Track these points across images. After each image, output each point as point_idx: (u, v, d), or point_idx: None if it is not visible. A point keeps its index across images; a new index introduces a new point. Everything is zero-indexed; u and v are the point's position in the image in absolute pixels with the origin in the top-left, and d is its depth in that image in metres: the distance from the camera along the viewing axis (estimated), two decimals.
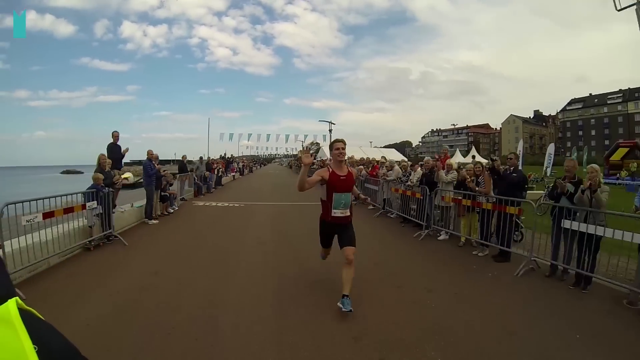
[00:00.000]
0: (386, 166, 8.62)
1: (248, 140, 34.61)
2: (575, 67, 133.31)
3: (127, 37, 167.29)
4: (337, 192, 3.32)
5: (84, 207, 4.78)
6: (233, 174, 22.79)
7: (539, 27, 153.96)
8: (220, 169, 16.62)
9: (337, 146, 3.38)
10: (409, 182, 6.95)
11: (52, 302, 3.37)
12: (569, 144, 66.57)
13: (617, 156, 27.88)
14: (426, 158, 7.27)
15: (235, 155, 34.57)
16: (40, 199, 4.18)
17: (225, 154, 27.30)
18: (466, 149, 57.99)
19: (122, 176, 6.42)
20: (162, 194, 7.81)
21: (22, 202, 3.85)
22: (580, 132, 67.48)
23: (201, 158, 13.80)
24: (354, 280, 3.32)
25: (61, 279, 4.01)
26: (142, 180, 7.81)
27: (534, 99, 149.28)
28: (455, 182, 6.07)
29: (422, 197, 6.39)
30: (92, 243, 5.10)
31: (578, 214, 4.19)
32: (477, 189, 5.42)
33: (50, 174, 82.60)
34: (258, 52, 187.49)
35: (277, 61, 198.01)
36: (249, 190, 15.54)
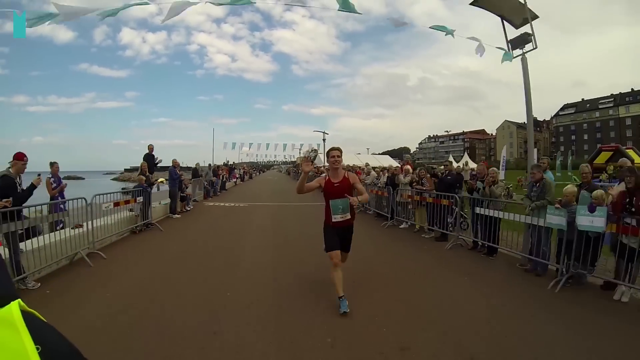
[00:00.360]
0: (365, 172, 10.54)
1: (249, 148, 36.59)
2: (573, 72, 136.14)
3: (126, 43, 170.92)
4: (332, 198, 3.55)
5: (134, 200, 6.69)
6: (235, 179, 24.71)
7: (536, 32, 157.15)
8: (225, 175, 18.54)
9: (333, 154, 3.59)
10: (378, 184, 8.87)
11: (120, 262, 5.22)
12: (562, 149, 68.53)
13: (600, 160, 29.69)
14: (389, 164, 9.20)
15: (236, 162, 36.58)
16: (110, 192, 6.09)
17: (228, 161, 29.30)
18: (461, 155, 60.04)
19: (158, 180, 8.34)
20: (182, 194, 9.71)
21: (102, 194, 5.76)
22: (573, 137, 69.45)
23: (209, 165, 15.80)
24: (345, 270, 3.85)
25: (125, 248, 5.88)
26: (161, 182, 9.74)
27: (532, 104, 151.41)
28: (411, 183, 7.98)
29: (388, 195, 8.29)
30: (137, 228, 7.00)
31: (485, 202, 6.06)
32: (424, 188, 7.33)
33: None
34: (256, 59, 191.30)
35: (275, 68, 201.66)
36: (250, 193, 17.54)
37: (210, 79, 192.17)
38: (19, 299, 0.46)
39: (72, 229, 5.27)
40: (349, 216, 3.57)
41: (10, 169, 4.14)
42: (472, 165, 30.03)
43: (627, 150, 29.43)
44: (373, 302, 3.70)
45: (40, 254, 4.25)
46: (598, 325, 3.26)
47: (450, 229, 6.73)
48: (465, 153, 56.97)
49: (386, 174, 8.76)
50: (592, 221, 4.06)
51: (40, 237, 4.35)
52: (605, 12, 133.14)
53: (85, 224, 5.43)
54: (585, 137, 67.86)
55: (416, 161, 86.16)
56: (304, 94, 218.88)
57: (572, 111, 70.75)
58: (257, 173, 51.83)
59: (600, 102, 66.97)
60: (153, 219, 7.60)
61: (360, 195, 3.67)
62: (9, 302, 0.44)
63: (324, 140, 33.61)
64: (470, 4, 5.62)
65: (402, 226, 8.09)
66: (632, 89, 64.08)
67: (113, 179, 77.26)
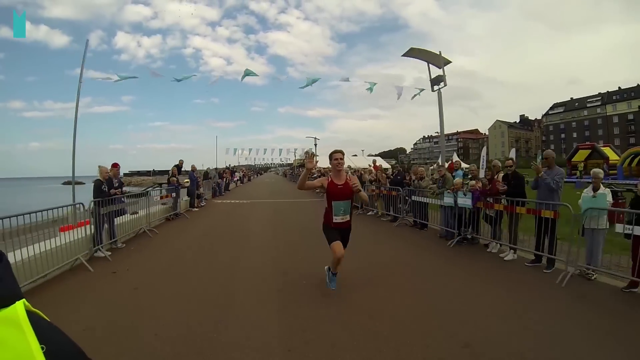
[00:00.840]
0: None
1: (249, 153, 39.32)
2: (568, 70, 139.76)
3: (122, 47, 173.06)
4: (335, 200, 3.68)
5: (170, 196, 9.34)
6: (235, 180, 27.37)
7: (531, 32, 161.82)
8: (228, 177, 21.20)
9: (336, 156, 3.74)
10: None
11: (165, 236, 7.83)
12: (552, 147, 71.28)
13: (578, 157, 32.03)
14: (363, 166, 11.87)
15: (234, 164, 39.42)
16: (155, 188, 8.72)
17: (230, 165, 32.07)
18: (451, 155, 62.73)
19: (184, 181, 11.02)
20: (197, 192, 12.35)
21: (151, 189, 8.40)
22: (563, 135, 72.19)
23: (216, 169, 18.52)
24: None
25: (166, 229, 8.50)
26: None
27: (527, 103, 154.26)
28: (372, 181, 10.66)
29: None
30: (170, 216, 9.64)
31: (417, 192, 8.68)
32: (378, 184, 10.00)
33: (53, 184, 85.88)
34: (252, 62, 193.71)
35: (271, 70, 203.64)
36: (251, 193, 20.23)
37: (205, 82, 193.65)
38: (24, 299, 0.46)
39: (131, 214, 7.89)
40: (348, 217, 3.78)
41: (100, 175, 6.61)
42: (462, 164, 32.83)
43: (604, 148, 32.03)
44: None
45: (121, 229, 6.89)
46: (477, 266, 5.84)
47: (399, 213, 9.39)
48: (454, 153, 59.47)
49: (355, 175, 11.45)
50: (465, 201, 6.70)
51: (124, 217, 6.99)
52: (600, 10, 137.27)
53: (140, 211, 8.06)
54: (575, 135, 70.45)
55: (412, 161, 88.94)
56: (300, 96, 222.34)
57: (562, 110, 73.51)
58: (255, 175, 54.49)
59: (588, 101, 69.72)
60: (181, 210, 10.24)
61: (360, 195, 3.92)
62: (14, 302, 0.45)
63: (315, 145, 36.48)
64: (403, 55, 8.22)
65: (369, 213, 10.74)
66: (619, 88, 66.91)
67: None
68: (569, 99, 73.65)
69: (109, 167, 6.63)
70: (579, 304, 3.80)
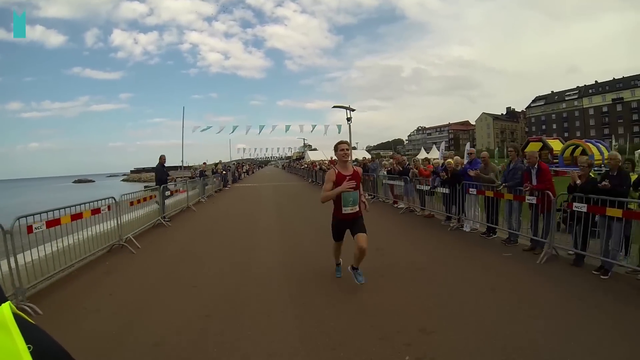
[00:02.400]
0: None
1: (255, 151, 44.33)
2: (567, 58, 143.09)
3: (118, 45, 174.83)
4: (344, 191, 3.76)
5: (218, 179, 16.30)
6: (244, 172, 34.39)
7: (529, 20, 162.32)
8: (239, 170, 28.23)
9: (342, 147, 3.92)
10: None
11: (205, 208, 14.73)
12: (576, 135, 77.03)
13: (530, 149, 38.59)
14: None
15: (233, 158, 46.45)
16: (187, 180, 15.63)
17: (239, 161, 39.19)
18: (438, 146, 69.39)
19: (222, 171, 18.00)
20: (225, 178, 19.30)
21: (192, 180, 15.32)
22: (544, 127, 78.65)
23: (235, 163, 25.59)
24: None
25: (201, 208, 15.38)
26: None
27: (526, 92, 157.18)
28: None
29: None
30: (217, 190, 16.59)
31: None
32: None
33: (63, 183, 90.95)
34: (250, 56, 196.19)
35: (269, 64, 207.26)
36: (257, 180, 27.36)
37: (204, 77, 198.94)
38: (9, 302, 0.49)
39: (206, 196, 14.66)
40: (357, 208, 3.88)
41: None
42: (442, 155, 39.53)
43: (552, 141, 38.65)
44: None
45: (171, 206, 13.73)
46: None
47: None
48: (442, 144, 66.08)
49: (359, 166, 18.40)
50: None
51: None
52: None
53: (186, 193, 14.87)
54: (554, 126, 76.91)
55: (406, 152, 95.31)
56: (299, 89, 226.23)
57: (543, 103, 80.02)
58: (257, 168, 61.44)
59: (566, 94, 76.11)
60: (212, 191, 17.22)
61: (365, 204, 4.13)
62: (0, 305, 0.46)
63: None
64: (333, 107, 14.89)
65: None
66: (595, 81, 73.14)
67: (123, 180, 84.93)
68: (550, 92, 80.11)
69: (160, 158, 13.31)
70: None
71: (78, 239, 5.04)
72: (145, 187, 15.44)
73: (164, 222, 8.77)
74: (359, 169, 4.12)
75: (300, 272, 4.68)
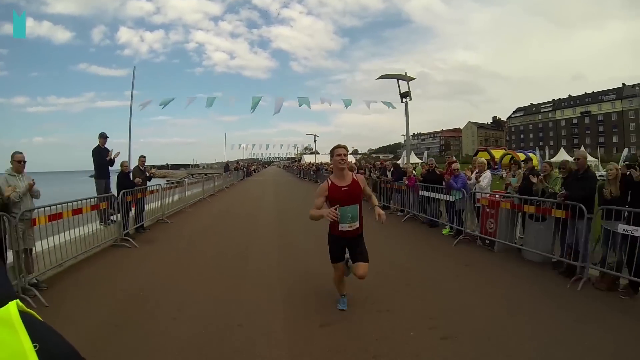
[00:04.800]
0: (325, 169, 31.32)
1: (252, 148, 47.16)
2: (572, 65, 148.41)
3: (124, 42, 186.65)
4: (341, 205, 3.26)
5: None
6: (252, 170, 45.83)
7: (534, 26, 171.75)
8: (249, 168, 39.57)
9: (338, 152, 3.33)
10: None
11: (223, 196, 25.98)
12: (513, 146, 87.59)
13: (479, 157, 48.97)
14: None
15: (241, 158, 57.79)
16: (208, 176, 26.94)
17: (248, 161, 50.75)
18: (437, 151, 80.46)
19: (242, 167, 29.33)
20: (247, 172, 30.56)
21: (216, 174, 26.67)
22: (522, 136, 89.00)
23: (247, 163, 37.01)
24: None
25: (217, 196, 26.62)
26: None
27: (530, 98, 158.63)
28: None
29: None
30: (224, 187, 27.91)
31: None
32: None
33: (83, 177, 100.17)
34: (255, 56, 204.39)
35: (274, 64, 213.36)
36: (263, 176, 38.78)
37: (209, 76, 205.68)
38: (17, 300, 0.50)
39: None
40: (357, 225, 3.36)
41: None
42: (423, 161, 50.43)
43: (494, 150, 49.21)
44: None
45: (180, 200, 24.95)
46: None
47: None
48: (425, 153, 76.86)
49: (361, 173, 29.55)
50: None
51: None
52: (602, 6, 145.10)
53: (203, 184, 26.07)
54: (531, 136, 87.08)
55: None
56: (304, 90, 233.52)
57: (522, 114, 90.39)
58: (262, 168, 72.94)
59: (542, 106, 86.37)
60: (235, 181, 28.45)
61: (372, 200, 3.67)
62: (7, 303, 0.48)
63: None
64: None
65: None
66: (569, 95, 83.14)
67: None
68: (529, 104, 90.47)
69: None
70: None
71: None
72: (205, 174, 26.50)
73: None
74: (360, 177, 3.48)
75: (289, 217, 15.72)
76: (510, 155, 40.79)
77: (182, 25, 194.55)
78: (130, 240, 6.84)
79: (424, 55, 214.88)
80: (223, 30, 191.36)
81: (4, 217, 4.10)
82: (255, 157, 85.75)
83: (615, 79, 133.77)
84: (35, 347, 0.45)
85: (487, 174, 7.39)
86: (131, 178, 8.04)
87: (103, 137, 8.11)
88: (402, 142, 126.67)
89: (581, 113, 78.72)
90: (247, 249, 6.47)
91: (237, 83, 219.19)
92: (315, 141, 40.29)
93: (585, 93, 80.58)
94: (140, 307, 3.93)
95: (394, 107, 13.55)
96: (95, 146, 8.01)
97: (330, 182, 3.41)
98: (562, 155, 35.68)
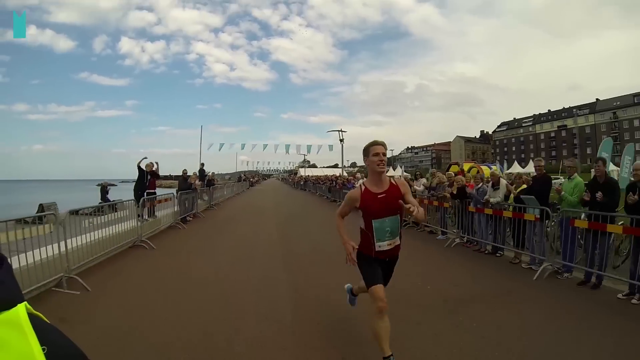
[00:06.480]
0: (321, 179, 39.02)
1: (260, 163, 59.50)
2: (568, 76, 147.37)
3: (126, 52, 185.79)
4: (376, 217, 2.66)
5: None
6: (254, 181, 53.64)
7: (532, 38, 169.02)
8: (253, 180, 47.39)
9: (376, 150, 2.69)
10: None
11: (241, 198, 33.67)
12: (498, 158, 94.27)
13: (452, 170, 57.08)
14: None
15: (241, 169, 65.72)
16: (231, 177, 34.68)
17: (250, 173, 58.63)
18: (428, 164, 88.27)
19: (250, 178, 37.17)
20: (251, 182, 38.28)
21: (236, 182, 34.45)
22: (505, 149, 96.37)
23: (250, 175, 44.89)
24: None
25: (242, 195, 34.29)
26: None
27: (527, 109, 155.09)
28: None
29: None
30: (248, 188, 35.65)
31: None
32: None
33: (89, 186, 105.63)
34: (255, 68, 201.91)
35: (273, 76, 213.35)
36: (264, 187, 46.34)
37: (209, 87, 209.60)
38: (25, 302, 0.50)
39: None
40: (398, 241, 2.75)
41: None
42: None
43: (465, 163, 56.72)
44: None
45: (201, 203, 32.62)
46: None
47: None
48: (401, 168, 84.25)
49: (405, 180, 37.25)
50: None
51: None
52: (598, 16, 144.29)
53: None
54: (514, 148, 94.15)
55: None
56: (303, 102, 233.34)
57: (505, 128, 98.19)
58: (262, 180, 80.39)
59: (523, 121, 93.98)
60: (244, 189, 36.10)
61: (414, 209, 2.55)
62: (15, 305, 0.48)
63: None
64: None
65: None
66: (548, 110, 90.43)
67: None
68: (512, 119, 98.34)
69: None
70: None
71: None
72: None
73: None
74: (403, 183, 2.84)
75: (286, 207, 23.37)
76: (476, 169, 47.87)
77: (183, 36, 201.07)
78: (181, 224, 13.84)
79: (422, 68, 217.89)
80: (223, 41, 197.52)
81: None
82: (255, 170, 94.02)
83: (611, 88, 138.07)
84: (43, 349, 0.46)
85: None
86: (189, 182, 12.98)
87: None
88: (397, 156, 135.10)
89: (558, 127, 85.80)
90: (266, 218, 14.02)
91: (237, 94, 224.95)
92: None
93: (563, 108, 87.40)
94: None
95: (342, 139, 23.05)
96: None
97: (363, 187, 2.74)
98: (516, 168, 43.01)
